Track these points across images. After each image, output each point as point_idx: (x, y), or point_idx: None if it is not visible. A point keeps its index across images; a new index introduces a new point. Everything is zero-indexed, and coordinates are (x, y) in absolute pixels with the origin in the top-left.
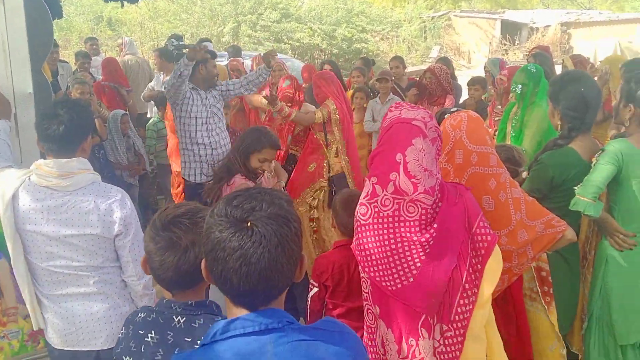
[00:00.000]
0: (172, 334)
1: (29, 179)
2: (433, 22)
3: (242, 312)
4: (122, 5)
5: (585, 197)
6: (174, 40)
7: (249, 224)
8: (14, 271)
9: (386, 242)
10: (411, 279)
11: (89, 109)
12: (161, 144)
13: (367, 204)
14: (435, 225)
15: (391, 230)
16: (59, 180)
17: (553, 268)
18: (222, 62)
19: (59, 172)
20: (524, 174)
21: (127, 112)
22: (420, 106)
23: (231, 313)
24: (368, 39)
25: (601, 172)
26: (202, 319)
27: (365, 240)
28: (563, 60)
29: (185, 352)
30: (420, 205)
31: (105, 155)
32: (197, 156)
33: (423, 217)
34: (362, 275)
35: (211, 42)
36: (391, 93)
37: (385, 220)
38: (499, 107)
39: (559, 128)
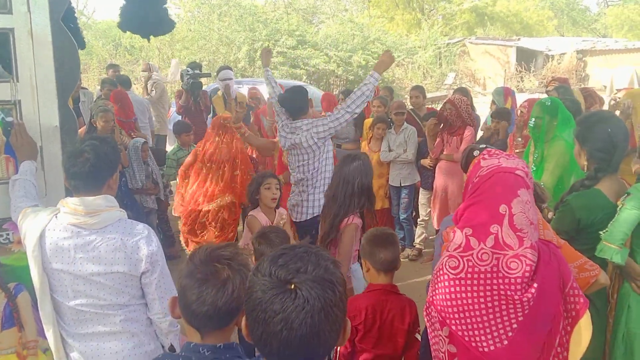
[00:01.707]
0: None
1: (56, 217)
2: (448, 48)
3: None
4: (149, 40)
5: (612, 244)
6: (189, 69)
7: (292, 286)
8: (40, 311)
9: (482, 300)
10: (505, 342)
11: (115, 146)
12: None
13: (459, 257)
14: (535, 285)
15: (488, 287)
16: (86, 218)
17: None
18: (241, 88)
19: (85, 210)
20: (550, 214)
21: (146, 141)
22: (440, 137)
23: None
24: None
25: (628, 217)
26: None
27: (455, 295)
28: (547, 91)
29: None
30: (525, 261)
31: (126, 183)
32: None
33: (526, 274)
34: (438, 333)
35: (231, 69)
36: (405, 122)
37: (482, 276)
38: (519, 139)
39: (585, 168)
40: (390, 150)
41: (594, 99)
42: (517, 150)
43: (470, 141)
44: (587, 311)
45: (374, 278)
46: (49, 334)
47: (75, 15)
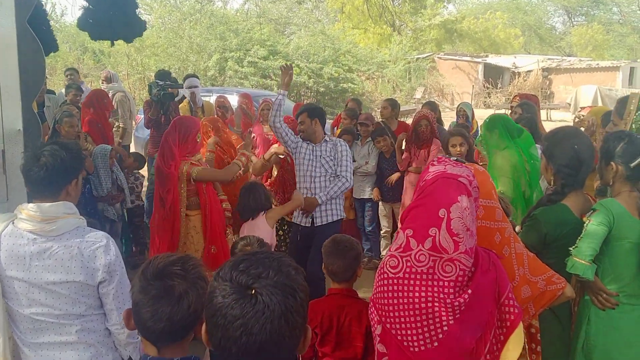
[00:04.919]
0: None
1: (13, 223)
2: (417, 63)
3: None
4: (112, 45)
5: (582, 260)
6: (158, 81)
7: (253, 291)
8: None
9: (416, 300)
10: (436, 343)
11: (76, 152)
12: None
13: (399, 257)
14: (469, 291)
15: (423, 288)
16: (43, 225)
17: (544, 324)
18: (209, 97)
19: (42, 217)
20: (517, 228)
21: (113, 147)
22: (407, 151)
23: None
24: (354, 78)
25: (596, 233)
26: None
27: (391, 294)
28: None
29: None
30: (459, 266)
31: (90, 190)
32: None
33: (460, 278)
34: (375, 330)
35: (198, 77)
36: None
37: (418, 277)
38: (485, 152)
39: (551, 183)
40: (354, 161)
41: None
42: (482, 163)
43: (436, 154)
44: (521, 323)
45: (331, 282)
46: None
47: (47, 18)
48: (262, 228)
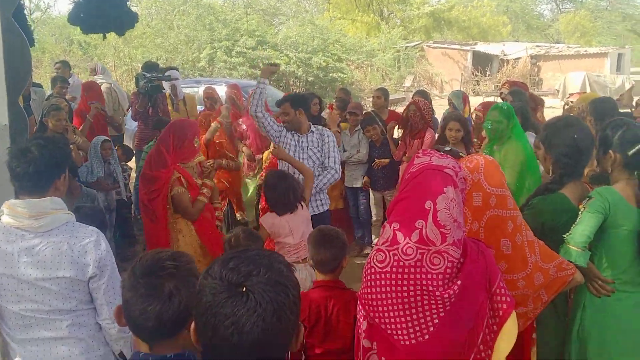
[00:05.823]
0: None
1: (0, 220)
2: (406, 52)
3: None
4: (104, 38)
5: (575, 247)
6: (145, 73)
7: (244, 289)
8: None
9: (404, 294)
10: (427, 336)
11: (63, 147)
12: None
13: (386, 251)
14: (459, 282)
15: (411, 282)
16: (31, 221)
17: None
18: (198, 88)
19: (30, 213)
20: None
21: (109, 139)
22: (402, 140)
23: None
24: (343, 67)
25: (590, 220)
26: None
27: (379, 289)
28: (501, 93)
29: None
30: (447, 258)
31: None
32: None
33: (448, 270)
34: (361, 325)
35: (177, 69)
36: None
37: (406, 270)
38: (475, 140)
39: (550, 172)
40: (344, 151)
41: (536, 102)
42: (473, 151)
43: (430, 144)
44: (514, 312)
45: (317, 274)
46: None
47: (25, 12)
48: (307, 216)
